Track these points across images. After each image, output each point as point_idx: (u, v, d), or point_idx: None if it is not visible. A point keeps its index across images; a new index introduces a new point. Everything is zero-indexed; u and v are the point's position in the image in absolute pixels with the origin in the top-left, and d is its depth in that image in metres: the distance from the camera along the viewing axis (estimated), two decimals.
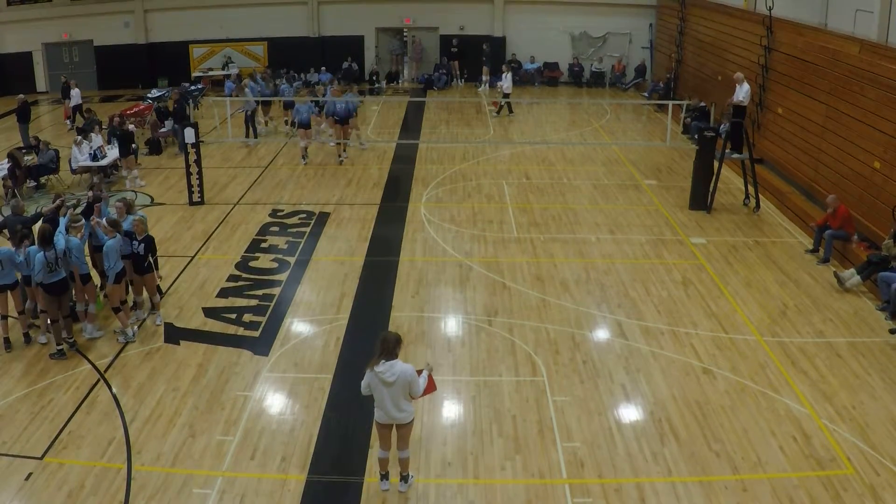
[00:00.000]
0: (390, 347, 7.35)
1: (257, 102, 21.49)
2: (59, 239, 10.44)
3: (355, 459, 8.30)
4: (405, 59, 32.05)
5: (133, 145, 18.48)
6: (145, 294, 11.44)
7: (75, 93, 23.53)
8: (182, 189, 16.82)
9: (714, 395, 9.47)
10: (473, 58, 29.58)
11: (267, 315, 11.60)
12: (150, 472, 8.07)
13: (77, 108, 23.14)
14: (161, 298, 11.63)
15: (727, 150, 16.09)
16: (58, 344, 10.33)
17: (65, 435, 8.69)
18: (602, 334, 11.07)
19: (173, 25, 29.56)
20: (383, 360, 7.30)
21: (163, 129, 21.03)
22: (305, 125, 19.48)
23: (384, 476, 7.85)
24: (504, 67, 25.70)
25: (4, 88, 27.49)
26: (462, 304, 11.94)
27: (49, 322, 10.45)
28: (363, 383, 7.47)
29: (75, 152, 17.61)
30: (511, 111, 24.93)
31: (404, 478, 7.85)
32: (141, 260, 11.00)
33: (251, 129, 21.32)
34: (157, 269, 11.43)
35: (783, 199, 16.21)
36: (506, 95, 24.49)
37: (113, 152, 18.02)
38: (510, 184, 17.78)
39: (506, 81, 24.55)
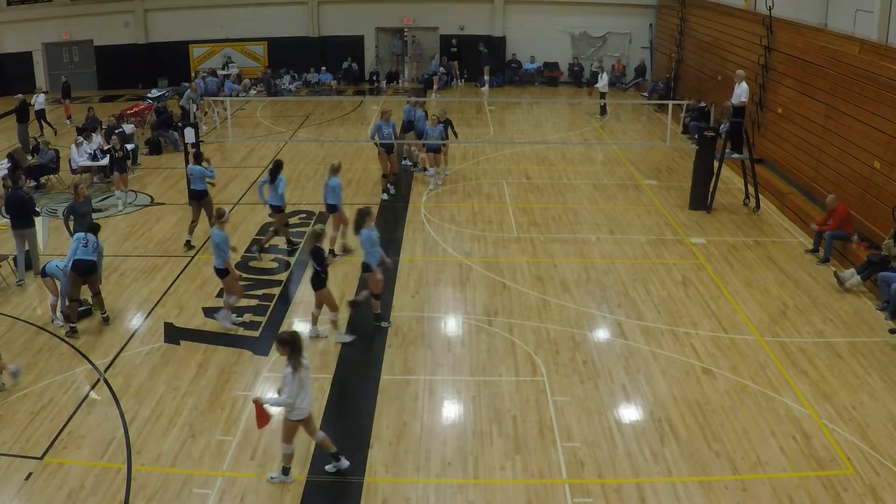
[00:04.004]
0: (301, 342, 7.53)
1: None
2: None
3: (355, 459, 8.30)
4: (405, 59, 32.03)
5: (129, 145, 18.43)
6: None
7: (40, 98, 22.31)
8: (182, 189, 16.79)
9: (714, 395, 9.47)
10: (472, 58, 29.56)
11: (267, 315, 11.60)
12: (150, 472, 8.08)
13: (40, 113, 22.21)
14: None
15: (727, 150, 16.09)
16: (71, 322, 10.79)
17: (65, 435, 8.69)
18: (602, 334, 11.07)
19: (173, 25, 29.55)
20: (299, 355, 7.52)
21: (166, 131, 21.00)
22: (435, 150, 17.16)
23: (287, 470, 7.90)
24: (599, 69, 26.53)
25: (4, 88, 27.47)
26: (462, 304, 11.94)
27: (68, 302, 10.84)
28: (289, 390, 7.45)
29: (74, 153, 17.63)
30: (605, 112, 24.79)
31: (334, 455, 8.01)
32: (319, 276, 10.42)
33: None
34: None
35: (783, 199, 16.21)
36: (602, 95, 24.64)
37: None
38: (510, 184, 17.78)
39: (602, 81, 24.78)
